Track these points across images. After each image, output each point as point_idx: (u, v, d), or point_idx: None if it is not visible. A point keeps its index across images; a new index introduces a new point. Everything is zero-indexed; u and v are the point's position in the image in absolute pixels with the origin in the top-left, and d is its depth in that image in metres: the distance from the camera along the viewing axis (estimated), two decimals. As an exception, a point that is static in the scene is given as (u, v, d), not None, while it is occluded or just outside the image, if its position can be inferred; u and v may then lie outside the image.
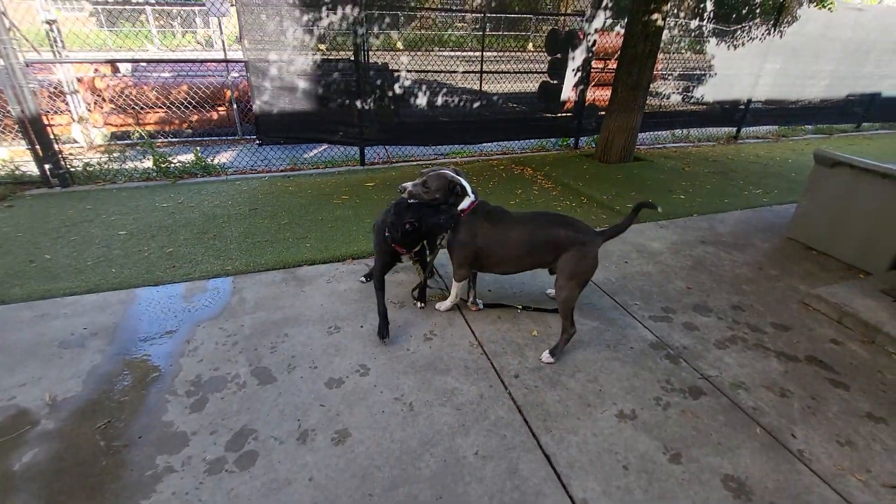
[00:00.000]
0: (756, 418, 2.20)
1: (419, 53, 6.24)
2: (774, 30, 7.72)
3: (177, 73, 8.14)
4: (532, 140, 7.32)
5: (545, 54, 7.30)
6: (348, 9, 5.12)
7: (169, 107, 7.70)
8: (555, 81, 7.10)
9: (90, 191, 4.68)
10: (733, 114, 8.32)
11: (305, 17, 5.11)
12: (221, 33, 8.08)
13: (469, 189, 2.56)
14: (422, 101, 6.25)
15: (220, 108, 8.13)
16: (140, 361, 2.38)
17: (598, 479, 1.86)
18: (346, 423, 2.06)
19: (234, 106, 7.73)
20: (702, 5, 7.31)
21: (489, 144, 7.06)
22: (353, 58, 5.40)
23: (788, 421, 2.20)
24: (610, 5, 6.42)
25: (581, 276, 2.42)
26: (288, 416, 2.08)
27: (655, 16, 5.46)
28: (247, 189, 4.92)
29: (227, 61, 6.70)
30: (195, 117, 7.84)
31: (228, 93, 7.83)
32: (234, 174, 5.43)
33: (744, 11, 7.55)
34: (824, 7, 7.51)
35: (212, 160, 5.69)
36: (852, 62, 8.96)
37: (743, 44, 7.64)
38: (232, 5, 6.38)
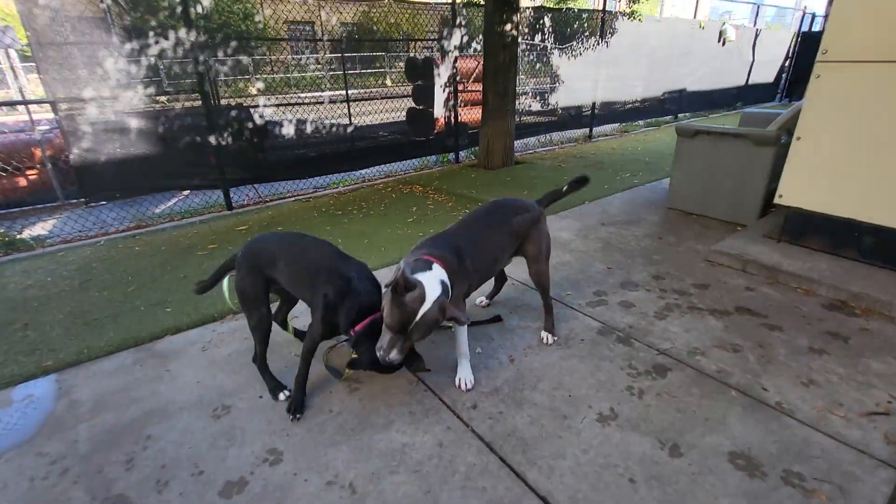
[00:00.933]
0: (726, 381, 2.06)
1: (276, 97, 5.67)
2: (601, 41, 8.74)
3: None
4: (414, 161, 7.12)
5: (405, 85, 7.24)
6: (182, 33, 4.38)
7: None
8: (420, 106, 7.05)
9: None
10: (583, 117, 9.17)
11: (128, 46, 4.24)
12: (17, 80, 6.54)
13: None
14: (288, 131, 5.65)
15: (30, 173, 6.52)
16: None
17: (608, 507, 1.49)
18: (263, 541, 1.41)
19: (49, 166, 6.22)
20: (541, 23, 7.97)
21: (370, 170, 6.67)
22: (197, 89, 4.63)
23: (753, 375, 2.10)
24: (464, 23, 6.60)
25: (546, 248, 2.34)
26: (166, 561, 1.36)
27: (509, 27, 5.69)
28: (74, 259, 3.80)
29: (27, 102, 5.33)
30: (-9, 188, 6.15)
31: (38, 152, 6.31)
32: (53, 245, 4.20)
33: (575, 26, 8.42)
34: (634, 19, 8.75)
35: (19, 234, 4.37)
36: (660, 65, 10.58)
37: (581, 53, 8.48)
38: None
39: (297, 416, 1.89)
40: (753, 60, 13.33)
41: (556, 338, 2.40)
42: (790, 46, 14.48)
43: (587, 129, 9.33)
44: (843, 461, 1.64)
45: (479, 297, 2.76)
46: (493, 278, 2.67)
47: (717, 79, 12.12)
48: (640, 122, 11.00)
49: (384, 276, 2.75)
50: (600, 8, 8.34)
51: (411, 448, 1.74)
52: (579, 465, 1.64)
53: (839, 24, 2.74)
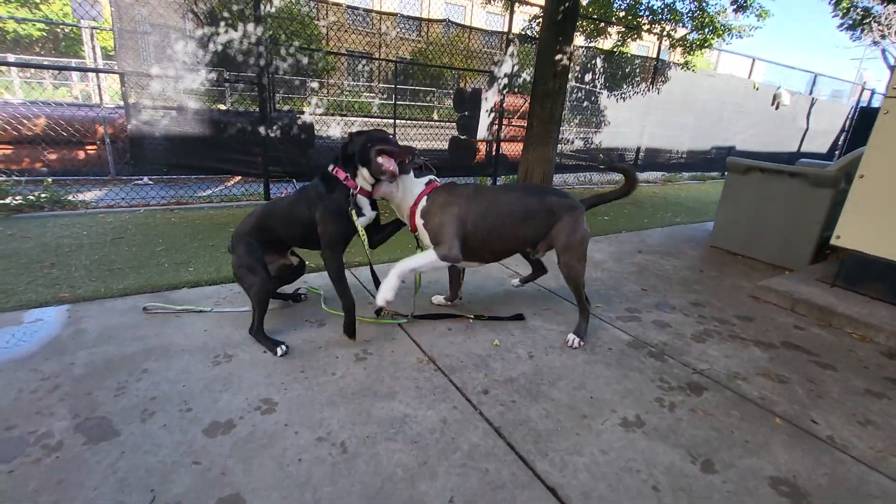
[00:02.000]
0: (769, 408, 1.83)
1: (329, 116, 5.91)
2: (652, 87, 8.76)
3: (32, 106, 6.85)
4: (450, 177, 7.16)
5: (450, 122, 7.44)
6: (250, 27, 4.64)
7: (18, 143, 6.35)
8: (464, 136, 7.17)
9: None
10: (627, 159, 9.07)
11: (199, 32, 4.51)
12: (99, 83, 7.06)
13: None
14: (334, 137, 5.82)
15: (89, 147, 6.91)
16: None
17: (627, 511, 1.29)
18: (238, 484, 1.28)
19: (108, 143, 6.59)
20: (592, 64, 8.08)
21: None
22: (255, 80, 4.84)
23: (801, 407, 1.86)
24: (515, 52, 6.76)
25: (579, 244, 2.18)
26: (133, 486, 1.25)
27: (561, 56, 5.76)
28: (112, 221, 3.91)
29: (97, 71, 5.70)
30: (54, 156, 6.54)
31: (101, 129, 6.71)
32: (96, 208, 4.36)
33: (627, 70, 8.49)
34: (688, 69, 8.76)
35: (72, 197, 4.57)
36: (710, 120, 10.47)
37: (630, 97, 8.50)
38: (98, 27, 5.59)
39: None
40: (807, 129, 13.06)
41: (583, 343, 2.22)
42: (847, 119, 14.14)
43: (629, 173, 9.20)
44: (913, 507, 1.39)
45: (514, 280, 2.71)
46: (530, 263, 2.60)
47: (768, 141, 11.89)
48: (685, 175, 10.81)
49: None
50: (654, 56, 8.41)
51: (412, 420, 1.60)
52: (597, 465, 1.46)
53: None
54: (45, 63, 13.81)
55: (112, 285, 2.48)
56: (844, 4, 6.04)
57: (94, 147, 6.94)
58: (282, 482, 1.30)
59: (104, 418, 1.49)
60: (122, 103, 4.48)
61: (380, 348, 2.04)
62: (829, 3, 6.15)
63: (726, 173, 4.03)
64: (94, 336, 1.96)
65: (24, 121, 6.24)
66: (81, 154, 6.85)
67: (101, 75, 7.41)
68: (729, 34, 7.85)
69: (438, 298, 2.61)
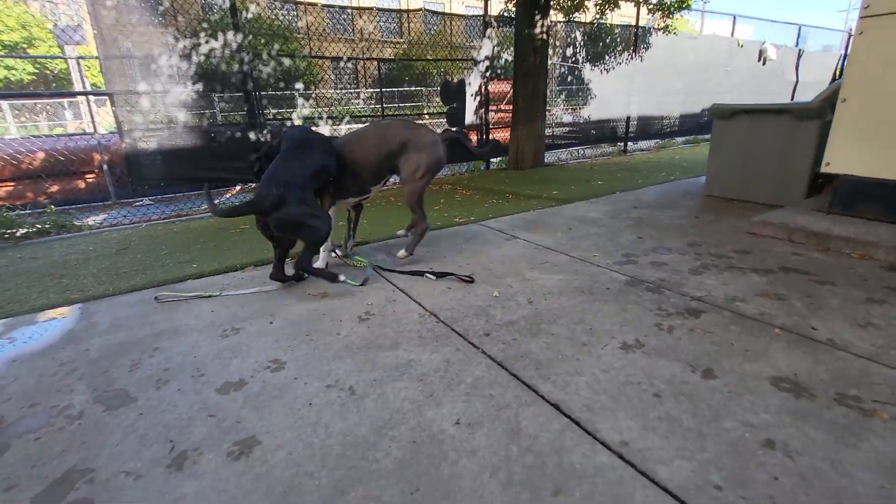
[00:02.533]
0: (768, 322, 1.86)
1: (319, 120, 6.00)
2: (635, 55, 8.74)
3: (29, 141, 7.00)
4: (445, 170, 7.21)
5: (439, 118, 7.49)
6: (230, 35, 4.72)
7: (19, 179, 6.50)
8: (454, 128, 7.22)
9: None
10: (616, 133, 9.07)
11: (181, 44, 4.60)
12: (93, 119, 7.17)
13: None
14: None
15: (87, 176, 7.05)
16: None
17: (630, 416, 1.33)
18: (252, 429, 1.34)
19: (105, 169, 6.71)
20: (572, 37, 8.08)
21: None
22: (241, 86, 4.92)
23: (801, 318, 1.88)
24: (494, 35, 6.78)
25: (420, 172, 2.54)
26: (152, 440, 1.31)
27: (538, 30, 5.79)
28: (116, 236, 4.00)
29: (87, 93, 5.82)
30: (55, 188, 6.68)
31: (97, 156, 6.83)
32: (100, 228, 4.46)
33: (608, 40, 8.48)
34: (669, 33, 8.73)
35: (76, 221, 4.67)
36: (699, 82, 10.41)
37: (613, 67, 8.49)
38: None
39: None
40: (797, 81, 12.94)
41: (407, 253, 2.65)
42: (836, 68, 13.99)
43: (622, 145, 9.20)
44: (913, 386, 1.41)
45: (399, 230, 3.16)
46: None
47: (759, 98, 11.79)
48: (679, 140, 10.77)
49: (402, 244, 2.70)
50: (633, 24, 8.39)
51: (417, 363, 1.64)
52: (598, 382, 1.49)
53: (883, -27, 2.61)
54: (41, 91, 13.99)
55: (120, 285, 2.55)
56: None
57: (94, 175, 7.07)
58: (294, 424, 1.35)
59: (121, 389, 1.55)
60: (115, 130, 4.57)
61: (382, 309, 2.09)
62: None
63: (713, 121, 4.04)
64: (107, 326, 2.03)
65: (24, 156, 6.39)
66: (82, 183, 6.98)
67: (94, 105, 7.56)
68: (706, -8, 7.82)
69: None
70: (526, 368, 1.58)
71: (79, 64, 6.30)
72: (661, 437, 1.24)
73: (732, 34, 11.15)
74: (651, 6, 8.15)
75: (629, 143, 9.21)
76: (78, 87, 6.96)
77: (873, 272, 2.35)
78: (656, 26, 8.69)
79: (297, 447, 1.25)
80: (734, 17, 11.08)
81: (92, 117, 6.26)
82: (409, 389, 1.49)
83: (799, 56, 12.68)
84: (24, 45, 18.34)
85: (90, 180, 7.07)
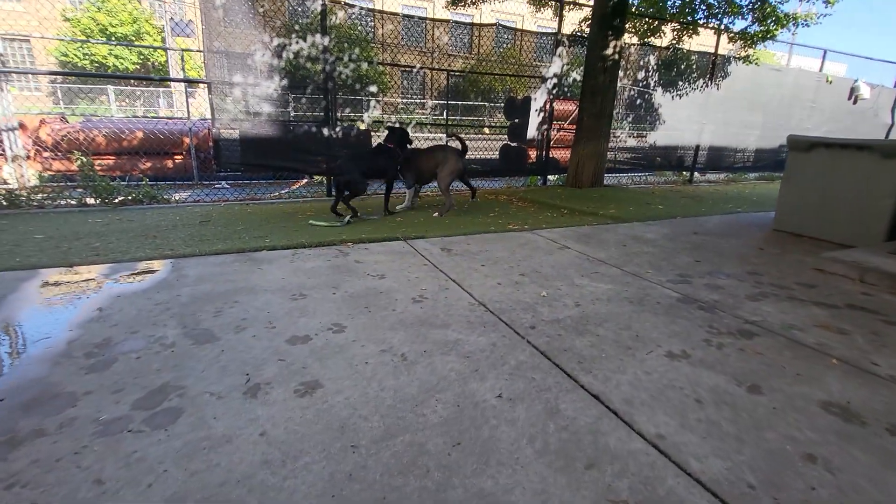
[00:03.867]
0: (826, 352, 1.81)
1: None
2: (711, 83, 8.49)
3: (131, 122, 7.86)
4: (501, 182, 7.31)
5: (500, 135, 7.64)
6: (318, 37, 5.12)
7: (120, 154, 7.30)
8: (514, 143, 7.34)
9: (9, 214, 4.04)
10: (685, 160, 8.79)
11: (274, 42, 5.05)
12: (188, 104, 7.97)
13: None
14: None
15: (176, 157, 7.79)
16: (15, 329, 1.74)
17: (668, 414, 1.36)
18: (316, 375, 1.50)
19: (193, 152, 7.40)
20: (645, 61, 7.99)
21: (458, 184, 6.97)
22: (321, 85, 5.31)
23: (861, 353, 1.81)
24: (564, 53, 6.87)
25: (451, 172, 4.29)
26: (232, 371, 1.50)
27: (610, 50, 5.82)
28: (199, 210, 4.42)
29: (186, 81, 6.47)
30: (148, 164, 7.43)
31: (187, 140, 7.55)
32: (185, 203, 4.94)
33: (682, 67, 8.31)
34: (750, 63, 8.42)
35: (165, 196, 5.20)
36: (779, 116, 9.91)
37: (686, 94, 8.28)
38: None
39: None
40: (893, 124, 11.99)
41: (438, 214, 4.21)
42: (941, 112, 12.80)
43: (687, 174, 8.91)
44: (980, 430, 1.34)
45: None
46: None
47: (846, 137, 11.02)
48: (751, 175, 10.26)
49: (457, 242, 2.85)
50: (711, 52, 8.17)
51: (464, 342, 1.75)
52: (639, 381, 1.53)
53: None
54: (149, 76, 15.48)
55: (204, 248, 2.86)
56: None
57: (181, 157, 7.80)
58: (352, 375, 1.50)
59: (207, 329, 1.77)
60: (205, 117, 5.08)
61: (435, 294, 2.22)
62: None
63: (788, 152, 3.89)
64: (194, 279, 2.30)
65: (126, 134, 7.18)
66: (170, 163, 7.72)
67: (188, 97, 8.37)
68: (794, 23, 7.52)
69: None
70: (569, 361, 1.65)
71: (181, 57, 7.04)
72: (698, 436, 1.27)
73: (821, 69, 10.54)
74: (733, 35, 7.93)
75: (696, 174, 8.91)
76: (177, 76, 7.78)
77: (954, 321, 2.20)
78: (737, 56, 8.42)
79: (353, 394, 1.40)
80: (824, 52, 10.48)
81: (187, 105, 6.95)
82: (456, 363, 1.60)
83: (896, 97, 11.75)
84: (133, 38, 20.53)
85: (178, 161, 7.79)
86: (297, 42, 5.12)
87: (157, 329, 1.77)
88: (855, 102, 10.97)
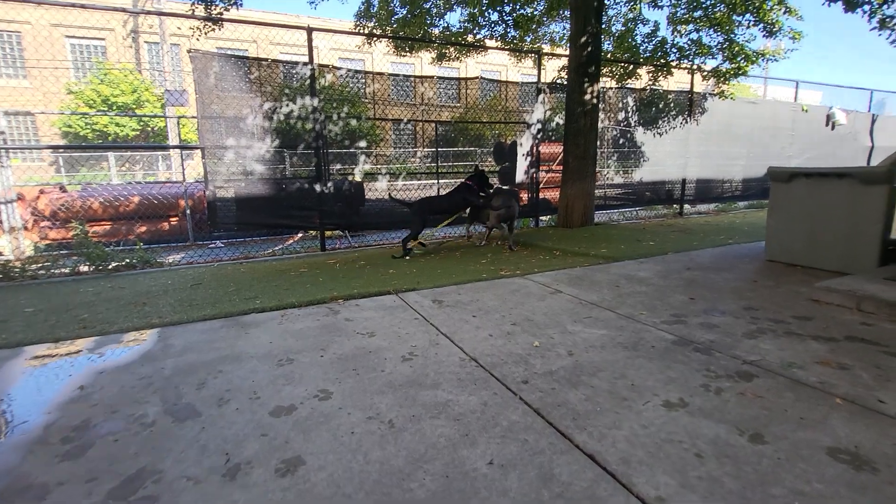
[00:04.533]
0: (829, 391, 1.75)
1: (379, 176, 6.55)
2: (690, 120, 8.77)
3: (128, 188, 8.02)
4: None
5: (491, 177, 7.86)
6: (307, 99, 5.33)
7: (116, 220, 7.41)
8: (505, 186, 7.51)
9: (2, 287, 4.04)
10: (673, 193, 8.95)
11: (265, 106, 5.24)
12: (183, 166, 8.21)
13: None
14: (381, 196, 6.34)
15: (172, 219, 7.89)
16: None
17: (668, 472, 1.30)
18: (299, 449, 1.44)
19: (188, 214, 7.51)
20: (624, 102, 8.31)
21: (451, 230, 7.05)
22: (312, 143, 5.47)
23: (866, 389, 1.76)
24: (546, 100, 7.14)
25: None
26: (211, 451, 1.44)
27: (588, 96, 6.06)
28: (191, 273, 4.42)
29: (181, 147, 6.64)
30: (144, 228, 7.52)
31: (182, 202, 7.68)
32: (178, 266, 4.95)
33: (661, 105, 8.62)
34: (725, 98, 8.75)
35: (159, 259, 5.23)
36: (762, 147, 10.18)
37: (667, 131, 8.54)
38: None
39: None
40: (873, 146, 12.32)
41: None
42: (917, 132, 13.19)
43: (677, 207, 9.04)
44: None
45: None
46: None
47: (829, 163, 11.29)
48: (741, 204, 10.40)
49: (448, 293, 2.85)
50: (687, 90, 8.51)
51: (455, 403, 1.69)
52: (636, 436, 1.47)
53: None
54: (144, 144, 15.95)
55: (193, 314, 2.83)
56: (879, 15, 5.96)
57: (177, 218, 7.91)
58: (336, 448, 1.43)
59: (189, 404, 1.72)
60: (200, 179, 5.20)
61: (425, 351, 2.18)
62: (867, 19, 6.07)
63: (770, 183, 3.96)
64: (179, 349, 2.26)
65: (122, 200, 7.31)
66: (166, 225, 7.82)
67: (184, 160, 8.61)
68: (763, 59, 7.88)
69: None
70: (562, 418, 1.59)
71: (178, 123, 7.29)
72: (700, 495, 1.20)
73: (795, 99, 10.95)
74: (705, 73, 8.28)
75: (686, 206, 9.03)
76: (173, 141, 8.05)
77: (957, 348, 2.15)
78: (713, 92, 8.75)
79: (337, 469, 1.33)
80: (797, 84, 10.92)
81: (182, 168, 7.14)
82: (446, 427, 1.54)
83: (873, 121, 12.15)
84: (134, 106, 21.35)
85: (173, 223, 7.89)
86: (287, 105, 5.32)
87: (137, 407, 1.71)
88: (833, 129, 11.32)
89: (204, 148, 5.04)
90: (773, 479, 1.26)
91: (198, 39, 5.87)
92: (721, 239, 5.37)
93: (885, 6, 5.91)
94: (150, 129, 22.16)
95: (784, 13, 7.14)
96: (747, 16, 7.36)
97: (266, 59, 5.43)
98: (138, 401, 1.75)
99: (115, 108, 20.07)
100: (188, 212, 7.49)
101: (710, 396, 1.72)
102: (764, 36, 7.47)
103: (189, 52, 4.94)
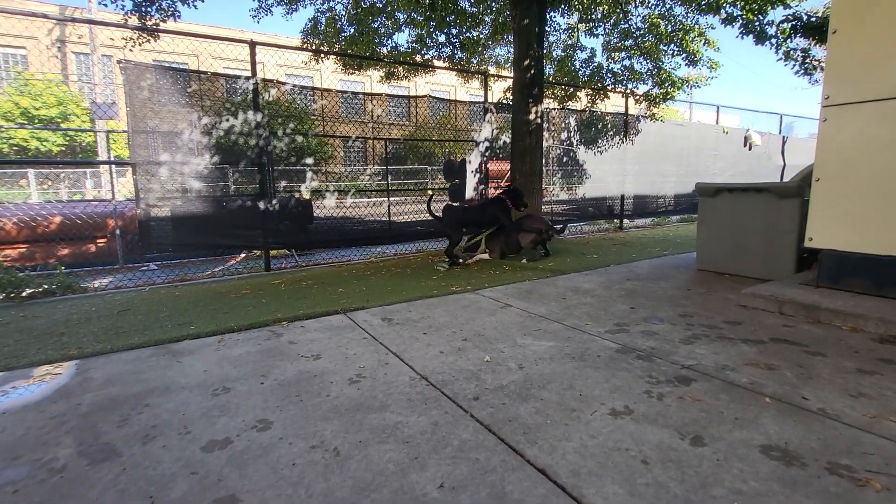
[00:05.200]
0: (759, 391, 1.86)
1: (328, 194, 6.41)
2: (626, 139, 9.33)
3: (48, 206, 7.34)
4: (445, 242, 7.41)
5: (442, 196, 7.93)
6: (250, 114, 5.14)
7: (34, 242, 6.74)
8: (455, 203, 7.59)
9: None
10: (614, 209, 9.42)
11: (205, 121, 5.01)
12: (113, 185, 7.62)
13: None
14: (330, 214, 6.20)
15: (99, 240, 7.29)
16: None
17: (617, 481, 1.31)
18: (233, 487, 1.32)
19: (118, 235, 6.97)
20: (567, 122, 8.71)
21: (403, 247, 7.00)
22: (257, 159, 5.27)
23: (791, 387, 1.88)
24: (493, 119, 7.35)
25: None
26: (133, 495, 1.29)
27: (532, 115, 6.29)
28: (119, 299, 4.07)
29: (111, 163, 6.17)
30: (65, 251, 6.88)
31: (111, 222, 7.12)
32: (104, 291, 4.55)
33: (600, 126, 9.12)
34: (657, 121, 9.40)
35: (82, 283, 4.78)
36: (688, 164, 10.98)
37: (606, 150, 9.03)
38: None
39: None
40: (785, 164, 13.62)
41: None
42: (820, 153, 14.72)
43: (618, 222, 9.50)
44: (904, 457, 1.39)
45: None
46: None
47: (749, 180, 12.34)
48: (674, 218, 11.12)
49: (399, 310, 2.82)
50: (622, 112, 9.07)
51: (404, 426, 1.64)
52: (586, 447, 1.48)
53: (836, 72, 2.92)
54: (69, 160, 14.77)
55: (118, 343, 2.59)
56: (784, 48, 6.67)
57: (105, 240, 7.31)
58: (275, 483, 1.33)
59: (107, 444, 1.54)
60: (132, 197, 4.85)
61: (373, 372, 2.10)
62: (775, 51, 6.77)
63: (698, 198, 4.25)
64: (100, 382, 2.04)
65: (40, 220, 6.67)
66: (93, 247, 7.21)
67: (115, 176, 8.01)
68: (688, 85, 8.56)
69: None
70: (514, 433, 1.57)
71: (107, 137, 6.81)
72: (647, 502, 1.22)
73: (717, 122, 11.95)
74: (638, 97, 8.88)
75: (626, 221, 9.52)
76: (104, 158, 7.48)
77: (864, 344, 2.37)
78: (645, 114, 9.38)
79: (276, 506, 1.23)
80: (717, 108, 11.95)
81: (112, 185, 6.64)
82: (395, 452, 1.47)
83: (784, 142, 13.46)
84: (59, 120, 19.78)
85: (101, 245, 7.29)
86: (228, 120, 5.11)
87: (46, 450, 1.51)
88: (750, 149, 12.42)
89: (136, 164, 4.72)
90: (713, 481, 1.31)
91: (131, 50, 5.55)
92: (657, 251, 5.69)
93: (789, 40, 6.62)
94: (77, 144, 20.59)
95: (704, 44, 7.81)
96: (672, 46, 7.99)
97: (206, 72, 5.22)
98: (47, 443, 1.55)
99: (36, 121, 18.49)
100: (118, 232, 6.94)
101: (653, 402, 1.77)
102: (687, 65, 8.14)
103: (120, 62, 4.64)
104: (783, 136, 13.66)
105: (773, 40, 6.62)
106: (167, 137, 4.90)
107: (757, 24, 6.47)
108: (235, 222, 5.36)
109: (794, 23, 6.24)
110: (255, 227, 5.37)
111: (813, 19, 6.18)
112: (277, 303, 3.46)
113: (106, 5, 5.24)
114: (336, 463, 1.42)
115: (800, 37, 6.43)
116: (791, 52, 6.75)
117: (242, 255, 6.84)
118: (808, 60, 6.85)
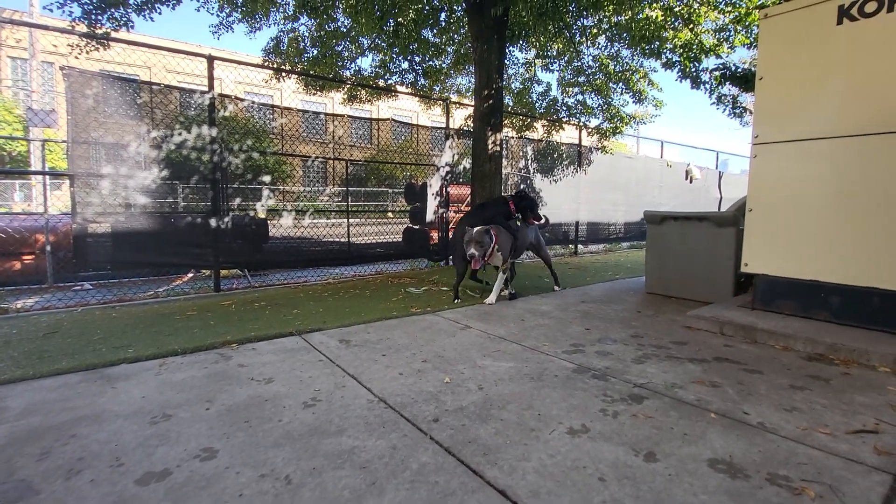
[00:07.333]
0: (705, 407, 1.94)
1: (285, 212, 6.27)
2: (579, 169, 9.78)
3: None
4: (405, 265, 7.39)
5: (402, 219, 7.97)
6: (204, 129, 4.98)
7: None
8: (416, 226, 7.63)
9: None
10: (570, 235, 9.78)
11: (154, 134, 4.79)
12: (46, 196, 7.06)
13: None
14: (286, 233, 6.04)
15: (25, 257, 6.70)
16: None
17: (576, 500, 1.31)
18: (173, 522, 1.21)
19: (48, 251, 6.43)
20: (524, 151, 9.04)
21: (362, 268, 6.90)
22: (210, 175, 5.07)
23: (733, 403, 1.98)
24: (454, 145, 7.51)
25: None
26: (52, 537, 1.15)
27: (491, 143, 6.48)
28: (46, 320, 3.73)
29: (45, 173, 5.74)
30: (-16, 268, 6.27)
31: (41, 238, 6.58)
32: (29, 312, 4.16)
33: (555, 156, 9.52)
34: (607, 153, 9.94)
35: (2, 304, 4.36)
36: (636, 195, 11.64)
37: (561, 179, 9.41)
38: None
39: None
40: (721, 197, 14.69)
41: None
42: (752, 187, 16.00)
43: (573, 247, 9.85)
44: (833, 467, 1.49)
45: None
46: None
47: (691, 209, 13.21)
48: (625, 244, 11.66)
49: (357, 332, 2.76)
50: (576, 143, 9.54)
51: (361, 450, 1.58)
52: (545, 467, 1.48)
53: (763, 115, 3.22)
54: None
55: (42, 369, 2.35)
56: (717, 93, 7.30)
57: (32, 256, 6.74)
58: (220, 516, 1.24)
59: (23, 480, 1.38)
60: (67, 211, 4.53)
61: (329, 395, 2.03)
62: (708, 95, 7.40)
63: (646, 226, 4.49)
64: (19, 411, 1.84)
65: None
66: (17, 264, 6.61)
67: (48, 188, 7.44)
68: (634, 121, 9.16)
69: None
70: (473, 454, 1.55)
71: (43, 146, 6.35)
72: (604, 521, 1.23)
73: (661, 156, 12.80)
74: (590, 130, 9.38)
75: (580, 246, 9.88)
76: (36, 166, 6.93)
77: (794, 361, 2.54)
78: (596, 147, 9.90)
79: (219, 542, 1.14)
80: (661, 143, 12.81)
81: (45, 198, 6.16)
82: (351, 478, 1.41)
83: (720, 177, 14.56)
84: (-13, 129, 18.28)
85: (27, 262, 6.72)
86: (180, 133, 4.92)
87: (-55, 491, 1.33)
88: (691, 182, 13.33)
89: (74, 175, 4.42)
90: (666, 496, 1.34)
91: (76, 58, 5.27)
92: (609, 275, 5.92)
93: (720, 87, 7.25)
94: (7, 153, 19.08)
95: (648, 84, 8.42)
96: (620, 84, 8.56)
97: (158, 84, 5.03)
98: (-52, 483, 1.37)
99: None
100: (48, 249, 6.41)
101: (609, 420, 1.81)
102: (634, 102, 8.72)
103: (62, 69, 4.39)
104: (720, 171, 14.80)
105: (707, 85, 7.24)
106: (112, 149, 4.64)
107: (692, 70, 7.05)
108: (183, 240, 5.09)
109: (724, 71, 6.85)
110: (206, 246, 5.13)
111: (740, 70, 6.82)
112: (227, 324, 3.29)
113: (51, 10, 4.96)
114: (287, 492, 1.34)
115: (729, 84, 7.06)
116: (723, 97, 7.38)
117: (190, 275, 6.50)
118: (737, 105, 7.51)
